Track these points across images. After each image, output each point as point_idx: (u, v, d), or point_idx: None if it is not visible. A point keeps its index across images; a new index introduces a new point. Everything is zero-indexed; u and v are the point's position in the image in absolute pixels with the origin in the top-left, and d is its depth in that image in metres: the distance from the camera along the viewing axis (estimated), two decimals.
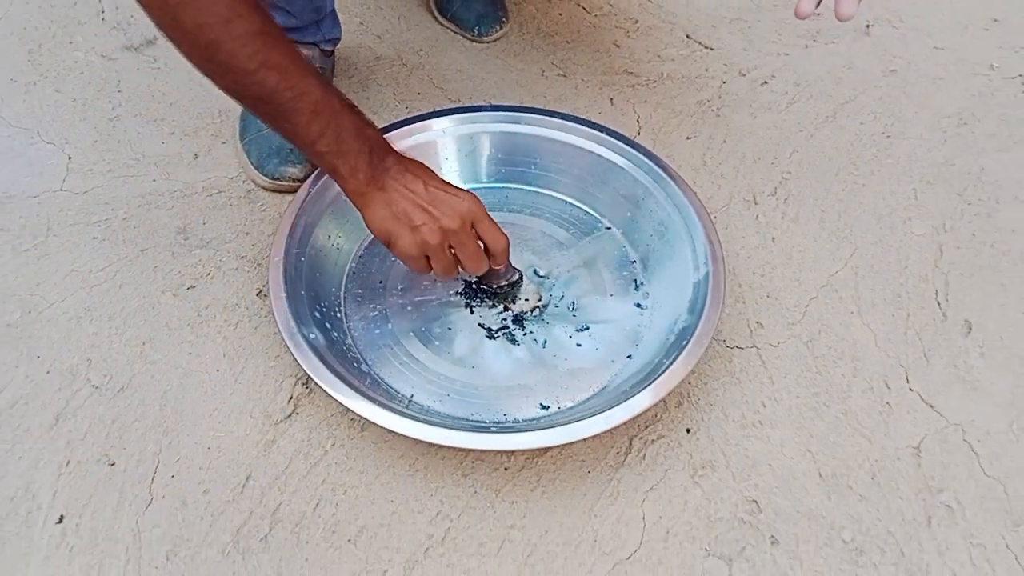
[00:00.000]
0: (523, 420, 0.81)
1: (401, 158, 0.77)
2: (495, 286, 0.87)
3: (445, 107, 1.02)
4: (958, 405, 0.87)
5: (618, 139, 0.95)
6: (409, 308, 0.89)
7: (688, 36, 1.23)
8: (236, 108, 1.06)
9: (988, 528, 0.79)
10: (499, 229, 0.79)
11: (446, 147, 0.97)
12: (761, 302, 0.94)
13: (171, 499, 0.77)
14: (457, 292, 0.90)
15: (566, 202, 0.99)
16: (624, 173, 0.94)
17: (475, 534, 0.77)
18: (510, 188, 1.00)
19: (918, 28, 1.26)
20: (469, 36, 1.20)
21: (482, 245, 0.79)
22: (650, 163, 0.93)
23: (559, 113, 0.98)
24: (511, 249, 0.82)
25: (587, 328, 0.88)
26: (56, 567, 0.73)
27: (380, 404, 0.74)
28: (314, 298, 0.85)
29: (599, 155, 0.95)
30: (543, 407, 0.82)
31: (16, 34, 1.16)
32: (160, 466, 0.79)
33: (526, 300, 0.89)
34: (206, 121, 1.07)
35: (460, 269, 0.80)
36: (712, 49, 1.22)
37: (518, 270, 0.88)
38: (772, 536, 0.77)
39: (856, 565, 0.76)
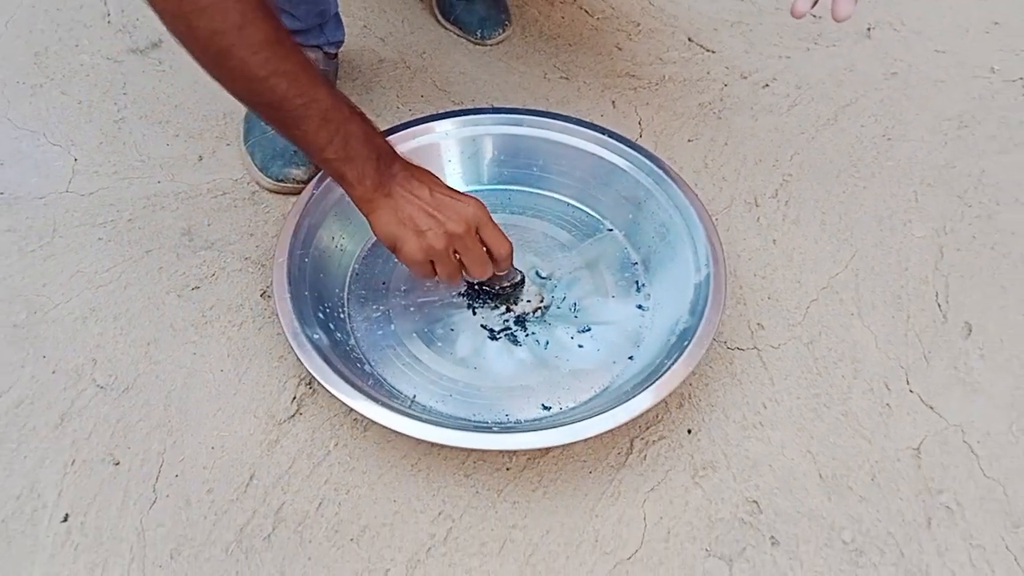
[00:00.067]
0: (525, 420, 0.82)
1: (407, 165, 0.78)
2: (497, 288, 0.88)
3: (448, 109, 1.02)
4: (958, 406, 0.87)
5: (620, 141, 0.96)
6: (412, 309, 0.89)
7: (690, 39, 1.24)
8: (240, 111, 1.06)
9: (988, 529, 0.79)
10: (503, 234, 0.79)
11: (449, 149, 0.98)
12: (762, 304, 0.94)
13: (175, 498, 0.78)
14: (459, 293, 0.90)
15: (568, 204, 0.99)
16: (626, 175, 0.95)
17: (477, 534, 0.77)
18: (512, 190, 1.00)
19: (919, 31, 1.27)
20: (472, 39, 1.21)
21: (486, 250, 0.79)
22: (652, 165, 0.93)
23: (561, 115, 0.98)
24: (513, 251, 0.82)
25: (589, 329, 0.89)
26: (61, 565, 0.74)
27: (383, 404, 0.75)
28: (317, 299, 0.85)
29: (601, 157, 0.96)
30: (545, 408, 0.83)
31: (23, 37, 1.17)
32: (164, 465, 0.80)
33: (528, 301, 0.90)
34: (211, 123, 1.08)
35: (464, 273, 0.80)
36: (714, 52, 1.22)
37: (520, 271, 0.88)
38: (772, 537, 0.78)
39: (856, 566, 0.76)
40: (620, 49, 1.22)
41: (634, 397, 0.75)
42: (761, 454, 0.83)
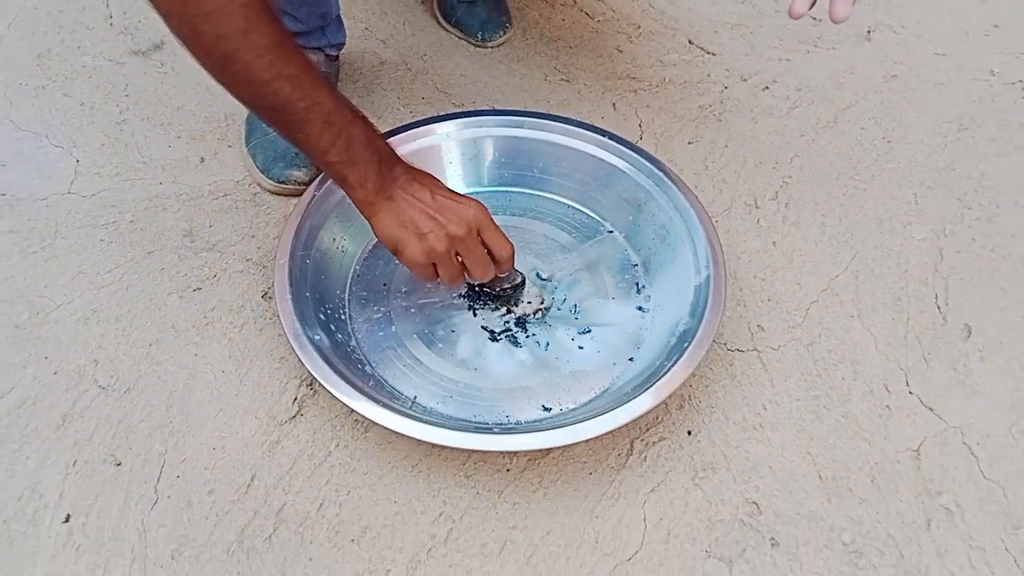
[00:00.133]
0: (525, 422, 0.82)
1: (409, 168, 0.78)
2: (498, 289, 0.88)
3: (449, 111, 1.03)
4: (958, 408, 0.87)
5: (620, 143, 0.96)
6: (413, 311, 0.90)
7: (690, 42, 1.24)
8: (242, 112, 1.07)
9: (987, 531, 0.79)
10: (505, 236, 0.79)
11: (450, 151, 0.98)
12: (762, 305, 0.95)
13: (177, 499, 0.78)
14: (460, 295, 0.91)
15: (568, 206, 1.00)
16: (626, 177, 0.95)
17: (477, 535, 0.77)
18: (513, 192, 1.00)
19: (919, 34, 1.27)
20: (473, 41, 1.21)
21: (488, 252, 0.80)
22: (652, 167, 0.94)
23: (562, 117, 0.99)
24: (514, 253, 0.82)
25: (589, 331, 0.89)
26: (63, 566, 0.74)
27: (384, 405, 0.75)
28: (319, 300, 0.85)
29: (601, 159, 0.96)
30: (545, 409, 0.83)
31: (25, 39, 1.17)
32: (166, 466, 0.80)
33: (528, 303, 0.90)
34: (212, 125, 1.08)
35: (466, 276, 0.81)
36: (714, 54, 1.23)
37: (521, 273, 0.88)
38: (772, 538, 0.78)
39: (856, 567, 0.76)
40: (621, 51, 1.22)
41: (634, 398, 0.75)
42: (761, 455, 0.83)
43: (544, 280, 0.93)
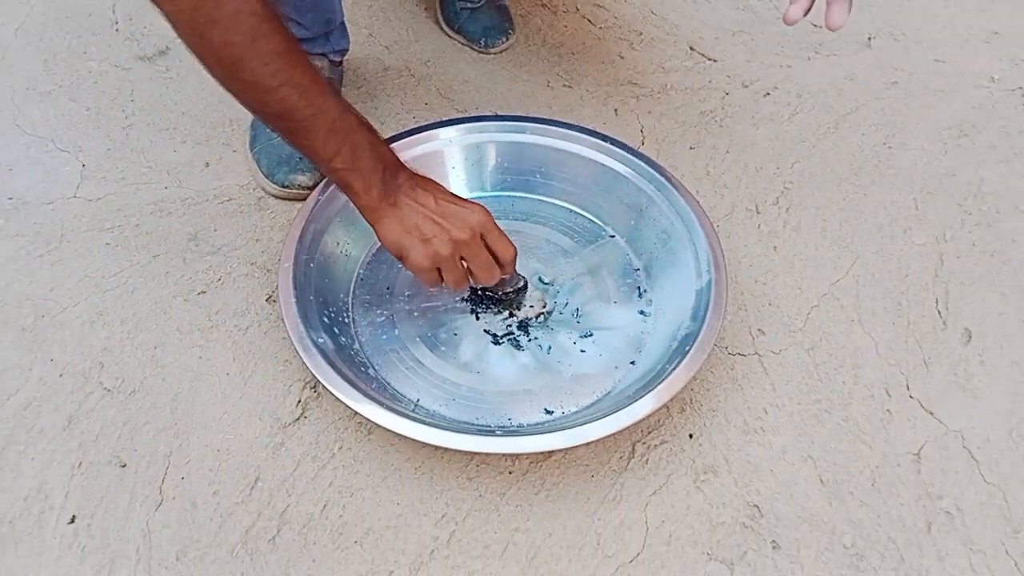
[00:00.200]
0: (528, 424, 0.82)
1: (412, 175, 0.79)
2: (500, 293, 0.88)
3: (452, 117, 1.03)
4: (958, 412, 0.87)
5: (622, 149, 0.96)
6: (416, 314, 0.90)
7: (691, 48, 1.25)
8: (246, 117, 1.07)
9: (988, 534, 0.79)
10: (508, 240, 0.80)
11: (453, 156, 0.99)
12: (763, 310, 0.95)
13: (181, 500, 0.78)
14: (463, 298, 0.91)
15: (571, 210, 1.00)
16: (628, 182, 0.96)
17: (480, 537, 0.78)
18: (516, 196, 1.01)
19: (919, 41, 1.28)
20: (476, 48, 1.22)
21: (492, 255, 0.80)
22: (653, 172, 0.94)
23: (564, 123, 0.99)
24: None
25: (591, 334, 0.89)
26: (68, 567, 0.74)
27: (387, 408, 0.75)
28: (323, 303, 0.86)
29: (603, 164, 0.97)
30: (547, 412, 0.83)
31: (32, 44, 1.18)
32: (170, 468, 0.80)
33: (531, 306, 0.91)
34: (217, 130, 1.09)
35: (470, 280, 0.81)
36: (715, 61, 1.23)
37: (523, 277, 0.89)
38: (773, 541, 0.78)
39: (856, 570, 0.77)
40: (622, 58, 1.23)
41: (636, 402, 0.76)
42: (762, 459, 0.83)
43: (546, 284, 0.93)
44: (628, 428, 0.75)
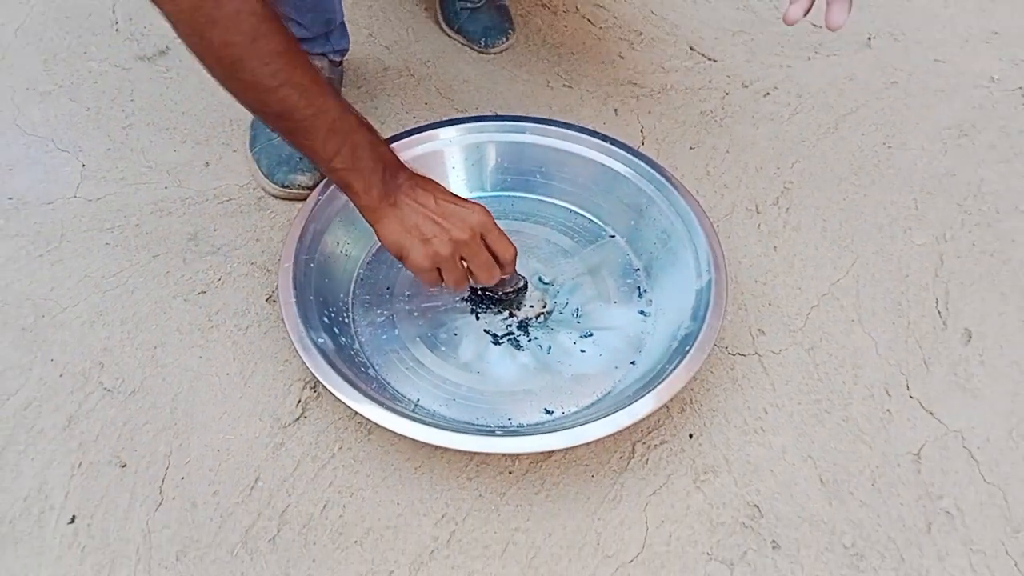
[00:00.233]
0: (528, 424, 0.82)
1: (412, 175, 0.79)
2: (501, 293, 0.88)
3: (452, 117, 1.03)
4: (958, 412, 0.87)
5: (622, 149, 0.97)
6: (416, 314, 0.90)
7: (692, 48, 1.25)
8: (246, 117, 1.07)
9: (988, 534, 0.79)
10: (508, 239, 0.80)
11: (453, 156, 0.99)
12: (763, 310, 0.95)
13: (181, 500, 0.78)
14: (463, 298, 0.91)
15: (571, 210, 1.00)
16: (628, 182, 0.96)
17: (480, 536, 0.78)
18: (516, 196, 1.01)
19: (919, 41, 1.28)
20: (476, 48, 1.22)
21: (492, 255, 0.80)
22: (653, 172, 0.94)
23: (564, 123, 0.99)
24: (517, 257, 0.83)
25: (591, 334, 0.89)
26: (68, 566, 0.74)
27: (387, 408, 0.75)
28: (323, 303, 0.86)
29: (603, 164, 0.97)
30: (547, 412, 0.83)
31: (32, 44, 1.18)
32: (170, 468, 0.80)
33: (531, 306, 0.91)
34: (217, 130, 1.09)
35: (471, 280, 0.81)
36: (715, 61, 1.23)
37: (523, 277, 0.89)
38: (773, 541, 0.78)
39: (857, 570, 0.77)
40: (622, 58, 1.23)
41: (636, 402, 0.76)
42: (762, 459, 0.83)
43: (546, 284, 0.94)
44: (628, 428, 0.75)
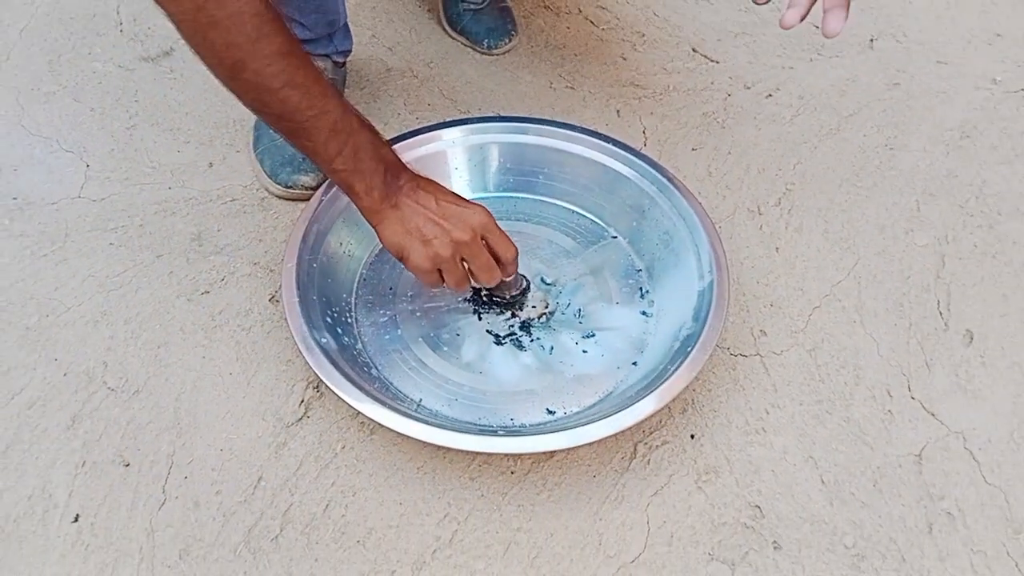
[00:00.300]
0: (530, 425, 0.82)
1: (414, 176, 0.79)
2: (502, 297, 0.89)
3: (455, 118, 1.04)
4: (959, 413, 0.88)
5: (624, 150, 0.97)
6: (418, 314, 0.91)
7: (694, 50, 1.25)
8: (250, 118, 1.08)
9: (989, 536, 0.79)
10: (509, 240, 0.80)
11: (456, 157, 0.99)
12: (765, 311, 0.95)
13: (184, 499, 0.79)
14: (465, 299, 0.91)
15: (573, 211, 1.01)
16: (630, 183, 0.96)
17: (482, 536, 0.78)
18: (518, 197, 1.01)
19: (921, 42, 1.28)
20: (479, 49, 1.22)
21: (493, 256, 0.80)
22: (656, 173, 0.95)
23: (567, 124, 1.00)
24: (519, 257, 0.83)
25: (593, 335, 0.89)
26: (71, 565, 0.75)
27: (389, 408, 0.76)
28: (326, 303, 0.86)
29: (606, 165, 0.97)
30: (549, 412, 0.84)
31: (37, 45, 1.19)
32: (174, 467, 0.81)
33: (533, 307, 0.91)
34: (221, 131, 1.09)
35: (472, 281, 0.81)
36: (717, 62, 1.24)
37: (525, 278, 0.89)
38: (775, 541, 0.78)
39: (858, 571, 0.77)
40: (625, 59, 1.23)
41: (638, 402, 0.76)
42: (764, 459, 0.84)
43: (548, 285, 0.94)
44: (630, 428, 0.76)
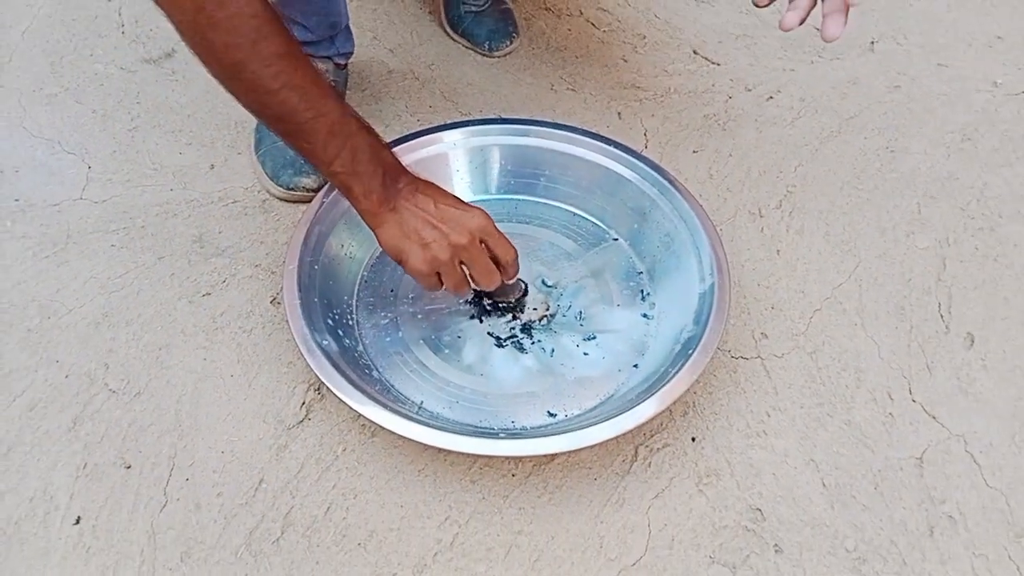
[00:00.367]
0: (531, 427, 0.82)
1: (413, 179, 0.79)
2: (502, 302, 0.89)
3: (456, 120, 1.04)
4: (960, 416, 0.88)
5: (626, 152, 0.97)
6: (419, 316, 0.91)
7: (695, 52, 1.25)
8: (251, 120, 1.08)
9: (990, 539, 0.79)
10: (508, 242, 0.80)
11: (457, 159, 0.99)
12: (766, 313, 0.95)
13: (185, 502, 0.79)
14: (466, 301, 0.91)
15: (574, 213, 1.01)
16: (631, 185, 0.96)
17: (483, 539, 0.78)
18: (519, 199, 1.01)
19: (922, 45, 1.28)
20: (480, 51, 1.23)
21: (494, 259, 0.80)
22: (657, 176, 0.95)
23: (568, 126, 1.00)
24: (519, 260, 0.83)
25: (594, 337, 0.90)
26: (73, 567, 0.75)
27: (390, 410, 0.76)
28: (327, 306, 0.86)
29: (607, 168, 0.97)
30: (550, 415, 0.84)
31: (38, 46, 1.19)
32: (175, 469, 0.81)
33: (534, 309, 0.91)
34: (222, 132, 1.10)
35: (473, 284, 0.81)
36: (719, 64, 1.24)
37: (523, 281, 0.89)
38: (776, 544, 0.78)
39: (859, 574, 0.77)
40: (626, 61, 1.23)
41: (639, 405, 0.76)
42: (764, 462, 0.84)
43: (550, 287, 0.94)
44: (631, 431, 0.76)
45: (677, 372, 0.78)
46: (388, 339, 0.89)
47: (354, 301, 0.92)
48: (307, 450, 0.83)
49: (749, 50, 1.26)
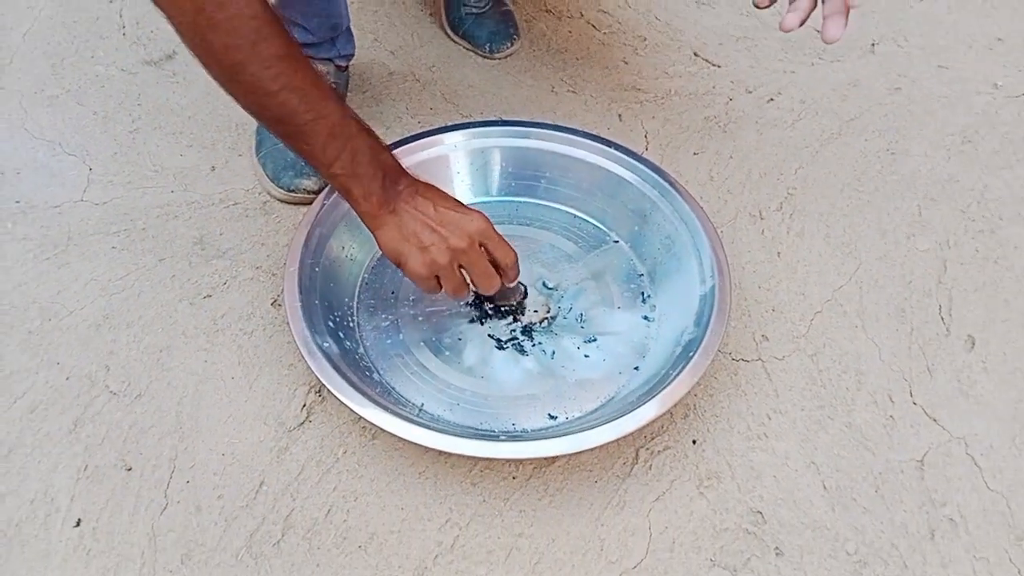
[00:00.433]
0: (531, 430, 0.82)
1: (413, 181, 0.78)
2: (502, 306, 0.88)
3: (457, 122, 1.04)
4: (961, 419, 0.88)
5: (626, 154, 0.97)
6: (420, 319, 0.91)
7: (695, 54, 1.25)
8: (252, 122, 1.08)
9: (991, 542, 0.79)
10: (508, 246, 0.79)
11: (458, 161, 0.99)
12: (766, 316, 0.95)
13: (186, 504, 0.79)
14: (467, 304, 0.91)
15: (575, 216, 1.01)
16: (632, 187, 0.96)
17: (483, 542, 0.78)
18: (520, 201, 1.01)
19: (923, 47, 1.28)
20: (481, 53, 1.23)
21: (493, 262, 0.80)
22: (658, 178, 0.95)
23: (568, 128, 1.00)
24: (519, 262, 0.83)
25: (595, 340, 0.90)
26: (73, 570, 0.75)
27: (391, 412, 0.76)
28: (328, 308, 0.86)
29: (608, 170, 0.97)
30: (551, 417, 0.84)
31: (40, 48, 1.19)
32: (175, 471, 0.81)
33: (535, 311, 0.91)
34: (223, 134, 1.10)
35: (472, 287, 0.81)
36: (719, 66, 1.24)
37: (522, 284, 0.89)
38: (776, 547, 0.78)
39: None
40: (627, 63, 1.23)
41: (639, 407, 0.76)
42: (765, 465, 0.84)
43: (550, 289, 0.94)
44: (632, 434, 0.76)
45: (678, 374, 0.78)
46: (389, 341, 0.89)
47: (355, 303, 0.92)
48: (308, 452, 0.83)
49: (750, 52, 1.26)
